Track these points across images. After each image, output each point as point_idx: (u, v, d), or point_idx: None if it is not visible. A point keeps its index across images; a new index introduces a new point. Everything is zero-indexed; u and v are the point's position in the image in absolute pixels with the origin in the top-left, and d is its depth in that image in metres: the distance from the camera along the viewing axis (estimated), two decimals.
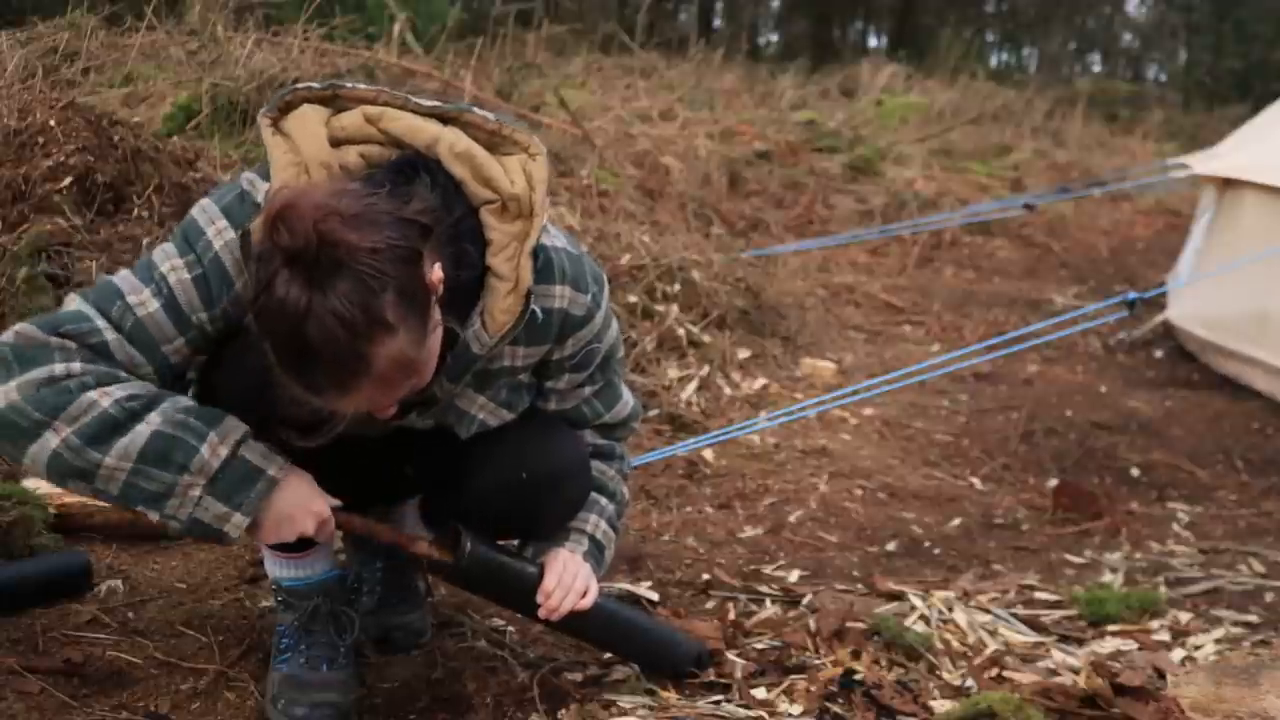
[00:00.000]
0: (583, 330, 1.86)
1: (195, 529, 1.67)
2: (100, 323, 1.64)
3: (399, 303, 1.49)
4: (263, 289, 1.46)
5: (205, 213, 1.69)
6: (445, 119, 1.72)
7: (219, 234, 1.66)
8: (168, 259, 1.67)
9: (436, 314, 1.58)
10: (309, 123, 1.67)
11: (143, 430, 1.61)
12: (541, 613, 1.96)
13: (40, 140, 3.40)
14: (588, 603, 1.98)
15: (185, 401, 1.68)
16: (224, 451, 1.65)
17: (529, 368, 1.88)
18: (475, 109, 1.76)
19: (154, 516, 1.66)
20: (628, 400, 2.06)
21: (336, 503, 1.80)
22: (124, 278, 1.69)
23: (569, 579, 1.95)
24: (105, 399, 1.60)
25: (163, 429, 1.62)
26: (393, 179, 1.62)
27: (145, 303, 1.65)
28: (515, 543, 2.08)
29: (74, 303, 1.68)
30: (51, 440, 1.59)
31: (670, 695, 2.13)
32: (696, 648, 2.24)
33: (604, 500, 2.05)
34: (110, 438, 1.60)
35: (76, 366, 1.62)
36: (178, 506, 1.64)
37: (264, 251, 1.48)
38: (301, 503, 1.73)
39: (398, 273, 1.49)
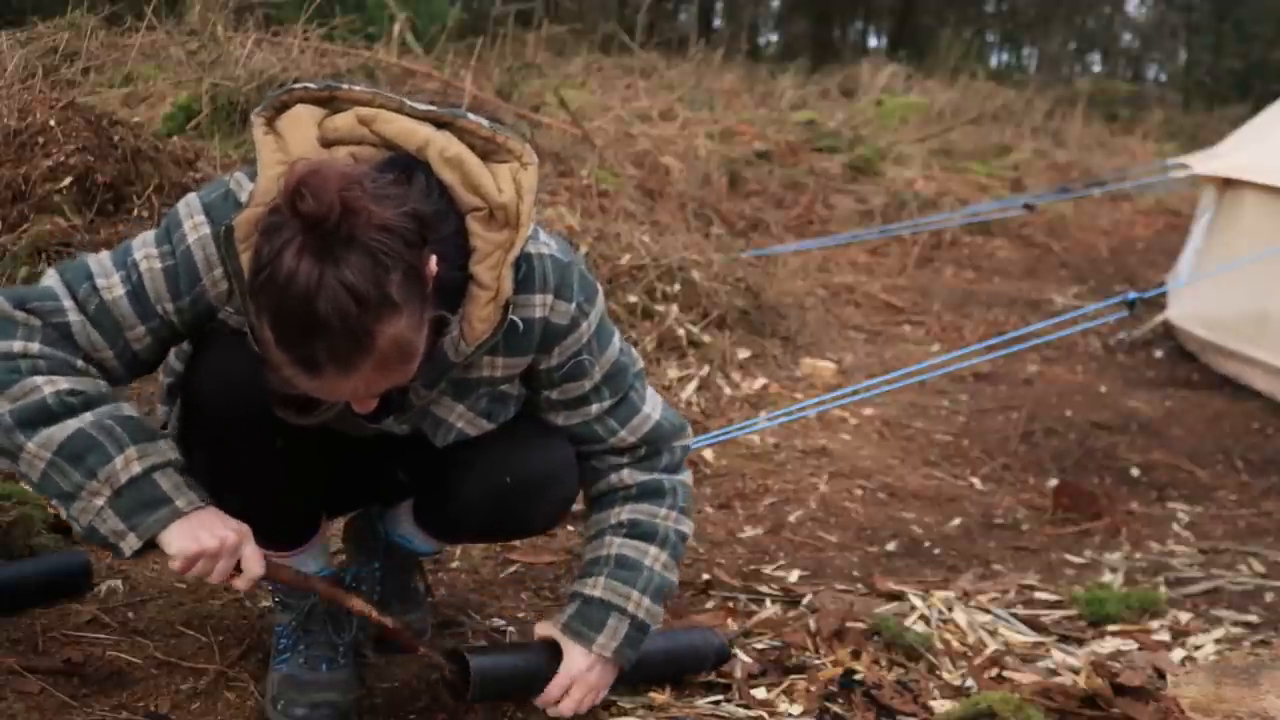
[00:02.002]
0: (567, 340, 1.83)
1: (93, 537, 1.65)
2: (67, 303, 1.65)
3: (405, 283, 1.49)
4: (269, 262, 1.46)
5: (187, 206, 1.70)
6: (439, 123, 1.72)
7: (195, 228, 1.67)
8: (144, 247, 1.69)
9: (430, 305, 1.58)
10: (300, 123, 1.67)
11: (70, 425, 1.61)
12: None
13: (40, 140, 3.41)
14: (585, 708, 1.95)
15: (128, 411, 1.67)
16: (136, 469, 1.63)
17: (511, 378, 1.85)
18: (470, 115, 1.75)
19: (63, 512, 1.65)
20: (649, 414, 1.97)
21: (260, 553, 1.73)
22: (99, 259, 1.70)
23: (570, 706, 1.91)
24: (49, 387, 1.61)
25: (87, 429, 1.61)
26: (392, 172, 1.62)
27: (112, 287, 1.66)
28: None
29: (47, 278, 1.70)
30: None
31: (670, 695, 2.13)
32: (718, 643, 2.24)
33: (653, 550, 1.95)
34: (39, 425, 1.60)
35: (35, 347, 1.62)
36: (81, 510, 1.63)
37: (271, 226, 1.48)
38: (210, 524, 1.67)
39: (406, 253, 1.50)
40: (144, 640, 2.12)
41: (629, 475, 1.97)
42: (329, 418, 1.74)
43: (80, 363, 1.65)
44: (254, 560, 1.70)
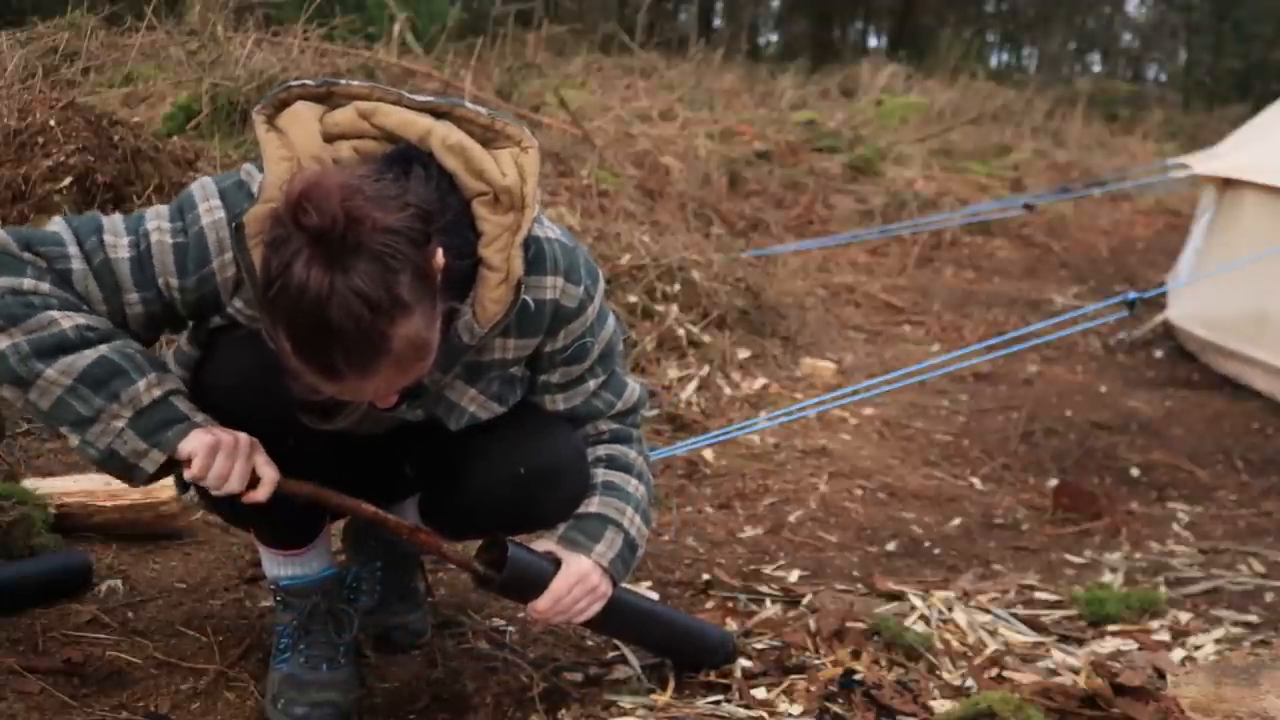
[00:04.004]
0: (575, 323, 1.86)
1: (110, 461, 1.67)
2: (72, 249, 1.67)
3: (414, 283, 1.51)
4: (279, 275, 1.47)
5: (203, 189, 1.72)
6: (438, 113, 1.73)
7: (209, 211, 1.68)
8: (156, 219, 1.71)
9: (440, 299, 1.59)
10: (302, 119, 1.68)
11: (89, 354, 1.63)
12: (528, 617, 1.96)
13: (40, 140, 3.41)
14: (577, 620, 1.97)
15: (138, 346, 1.70)
16: (157, 392, 1.66)
17: (520, 360, 1.87)
18: (467, 104, 1.77)
19: (74, 440, 1.67)
20: (634, 387, 2.05)
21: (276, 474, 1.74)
22: (111, 219, 1.72)
23: (568, 604, 1.92)
24: (66, 321, 1.63)
25: (109, 356, 1.64)
26: (390, 170, 1.63)
27: (118, 247, 1.68)
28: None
29: (55, 224, 1.71)
30: (2, 342, 1.62)
31: (670, 695, 2.14)
32: (731, 643, 2.26)
33: (635, 482, 2.01)
34: (58, 354, 1.62)
35: (45, 286, 1.65)
36: (99, 434, 1.65)
37: (278, 238, 1.49)
38: (221, 429, 1.70)
39: (413, 254, 1.51)
40: (144, 640, 2.12)
41: (603, 424, 2.02)
42: (352, 422, 1.75)
43: (85, 307, 1.67)
44: (267, 465, 1.71)
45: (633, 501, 1.99)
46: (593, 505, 1.97)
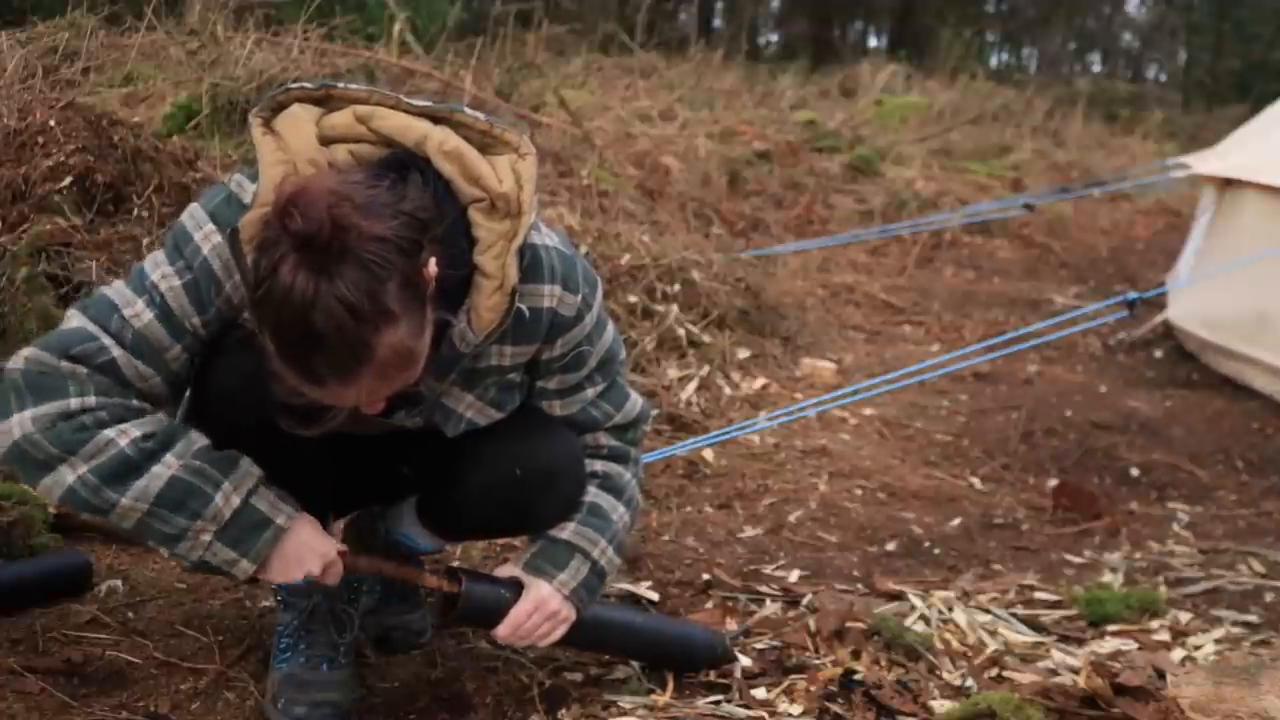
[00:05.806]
0: (572, 331, 1.85)
1: (203, 569, 1.73)
2: (105, 340, 1.66)
3: (401, 292, 1.50)
4: (266, 277, 1.46)
5: (193, 218, 1.70)
6: (436, 118, 1.72)
7: (206, 238, 1.67)
8: (158, 267, 1.69)
9: (430, 308, 1.58)
10: (299, 122, 1.67)
11: (160, 473, 1.65)
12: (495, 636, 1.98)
13: (40, 140, 3.40)
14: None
15: (200, 441, 1.71)
16: (236, 500, 1.70)
17: (518, 367, 1.87)
18: (466, 109, 1.76)
19: (164, 552, 1.72)
20: (635, 400, 2.03)
21: (342, 547, 1.84)
22: (118, 290, 1.70)
23: (528, 629, 1.93)
24: (123, 439, 1.64)
25: (179, 475, 1.66)
26: (387, 175, 1.62)
27: (140, 314, 1.67)
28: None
29: (74, 319, 1.69)
30: (67, 475, 1.63)
31: (670, 695, 2.14)
32: (724, 644, 2.26)
33: (621, 509, 2.00)
34: (127, 479, 1.64)
35: (92, 400, 1.64)
36: (189, 549, 1.70)
37: (267, 240, 1.48)
38: (307, 546, 1.77)
39: (401, 262, 1.50)
40: (144, 640, 2.12)
41: (604, 437, 2.02)
42: (334, 427, 1.75)
43: (135, 401, 1.68)
44: (334, 577, 1.83)
45: (610, 531, 1.98)
46: (566, 531, 1.96)
